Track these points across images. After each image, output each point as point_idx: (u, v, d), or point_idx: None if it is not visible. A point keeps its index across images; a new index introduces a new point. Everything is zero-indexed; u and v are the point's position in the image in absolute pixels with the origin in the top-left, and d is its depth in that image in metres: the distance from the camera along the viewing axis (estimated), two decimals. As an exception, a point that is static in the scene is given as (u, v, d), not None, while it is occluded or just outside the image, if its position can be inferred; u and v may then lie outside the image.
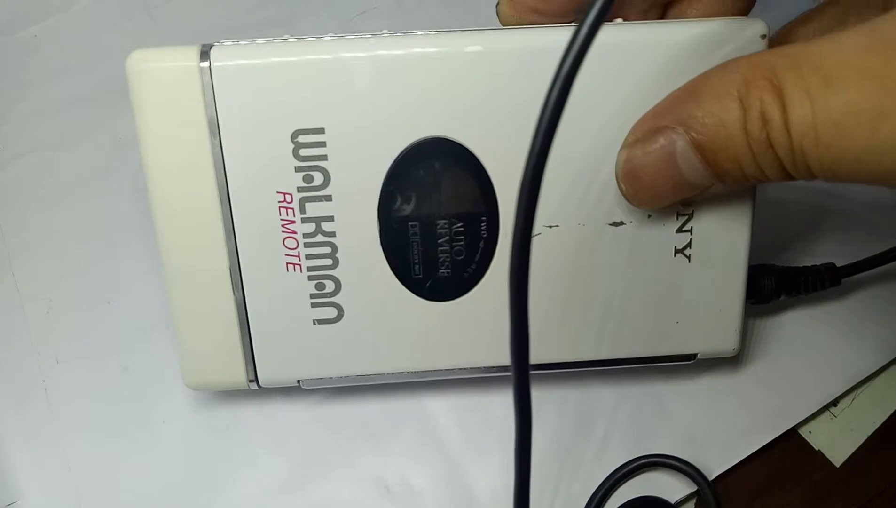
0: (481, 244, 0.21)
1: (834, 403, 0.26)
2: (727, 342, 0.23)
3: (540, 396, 0.25)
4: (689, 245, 0.22)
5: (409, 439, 0.25)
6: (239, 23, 0.33)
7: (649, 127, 0.19)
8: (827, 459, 0.25)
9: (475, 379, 0.24)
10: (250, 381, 0.22)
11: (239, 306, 0.22)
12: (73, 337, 0.26)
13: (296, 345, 0.22)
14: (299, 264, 0.21)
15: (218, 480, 0.24)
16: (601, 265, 0.22)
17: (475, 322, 0.22)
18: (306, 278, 0.22)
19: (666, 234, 0.21)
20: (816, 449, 0.25)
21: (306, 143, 0.20)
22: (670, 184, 0.19)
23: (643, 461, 0.24)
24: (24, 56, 0.32)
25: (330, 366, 0.23)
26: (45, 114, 0.31)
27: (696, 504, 0.24)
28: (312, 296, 0.22)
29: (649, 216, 0.21)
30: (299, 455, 0.25)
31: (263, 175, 0.21)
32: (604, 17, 0.15)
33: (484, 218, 0.21)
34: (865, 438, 0.25)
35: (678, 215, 0.21)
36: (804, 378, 0.25)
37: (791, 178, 0.16)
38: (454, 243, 0.21)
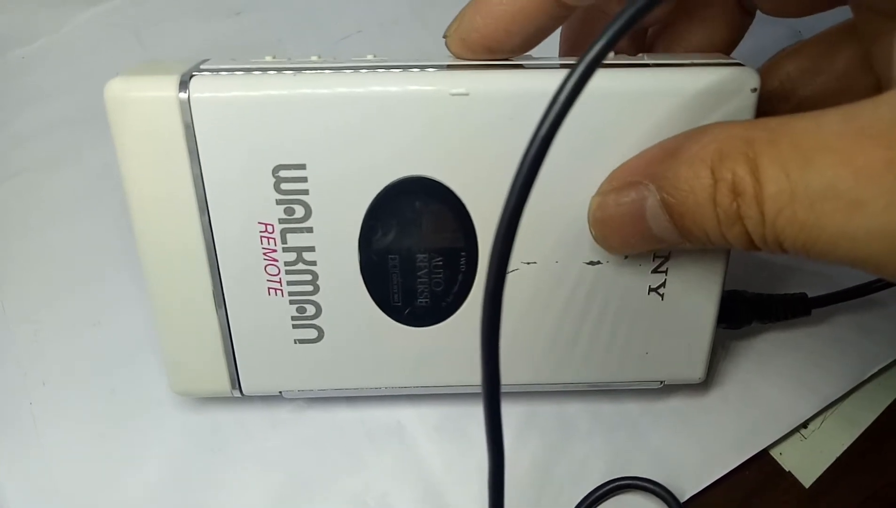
0: (460, 277, 0.22)
1: (804, 425, 0.26)
2: (694, 372, 0.24)
3: (517, 419, 0.26)
4: (663, 285, 0.22)
5: (389, 457, 0.25)
6: (226, 46, 0.33)
7: (623, 179, 0.19)
8: (797, 480, 0.26)
9: (453, 395, 0.25)
10: (233, 390, 0.23)
11: (222, 324, 0.22)
12: (60, 359, 0.27)
13: (277, 361, 0.23)
14: (280, 290, 0.22)
15: (201, 503, 0.25)
16: (575, 301, 0.22)
17: (451, 347, 0.23)
18: (287, 303, 0.22)
19: (641, 274, 0.22)
20: (787, 470, 0.26)
21: (287, 177, 0.20)
22: (638, 236, 0.19)
23: (617, 483, 0.24)
24: (12, 78, 0.33)
25: (310, 381, 0.24)
26: (33, 137, 0.31)
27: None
28: (293, 318, 0.22)
29: (626, 257, 0.22)
30: (283, 476, 0.25)
31: (245, 206, 0.21)
32: (586, 81, 0.15)
33: (463, 253, 0.22)
34: (834, 459, 0.26)
35: (654, 256, 0.22)
36: (775, 401, 0.26)
37: (757, 249, 0.17)
38: (433, 276, 0.22)
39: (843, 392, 0.26)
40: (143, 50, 0.33)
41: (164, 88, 0.20)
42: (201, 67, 0.20)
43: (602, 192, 0.20)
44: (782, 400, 0.26)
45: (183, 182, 0.20)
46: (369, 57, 0.21)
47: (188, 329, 0.22)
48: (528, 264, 0.22)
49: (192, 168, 0.20)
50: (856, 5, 0.20)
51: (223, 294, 0.22)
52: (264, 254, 0.21)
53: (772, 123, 0.16)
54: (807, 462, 0.26)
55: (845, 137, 0.14)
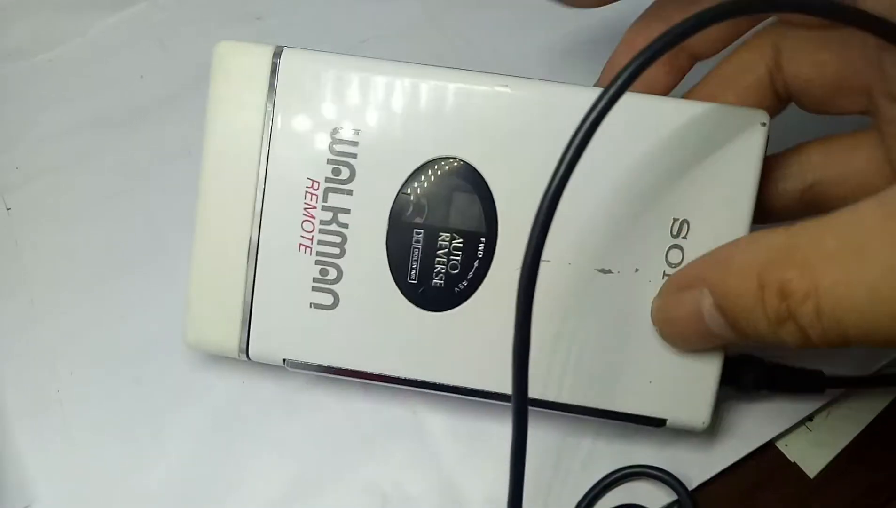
0: (476, 264, 0.23)
1: (810, 418, 0.27)
2: (698, 414, 0.23)
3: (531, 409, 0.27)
4: None
5: (404, 447, 0.26)
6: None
7: (680, 284, 0.21)
8: (802, 471, 0.27)
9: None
10: (241, 351, 0.24)
11: (248, 276, 0.24)
12: (87, 351, 0.28)
13: (290, 324, 0.24)
14: (310, 248, 0.23)
15: (222, 490, 0.26)
16: (583, 307, 0.23)
17: (457, 338, 0.24)
18: (313, 262, 0.23)
19: (651, 290, 0.23)
20: (792, 461, 0.27)
21: (342, 140, 0.23)
22: (698, 335, 0.21)
23: (627, 471, 0.25)
24: (40, 81, 0.34)
25: (317, 352, 0.24)
26: (61, 136, 0.32)
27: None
28: (315, 280, 0.24)
29: (637, 271, 0.23)
30: (299, 463, 0.26)
31: (300, 161, 0.23)
32: (619, 97, 0.17)
33: (483, 239, 0.23)
34: (839, 451, 0.27)
35: (664, 274, 0.23)
36: (782, 395, 0.27)
37: (815, 345, 0.17)
38: (451, 257, 0.23)
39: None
40: (166, 54, 0.34)
41: (261, 54, 0.23)
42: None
43: (662, 293, 0.22)
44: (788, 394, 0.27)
45: (255, 131, 0.23)
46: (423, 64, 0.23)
47: (216, 280, 0.24)
48: (543, 261, 0.22)
49: (266, 121, 0.23)
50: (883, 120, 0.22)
51: (258, 243, 0.23)
52: (305, 209, 0.23)
53: (810, 225, 0.17)
54: (812, 454, 0.27)
55: (890, 219, 0.16)
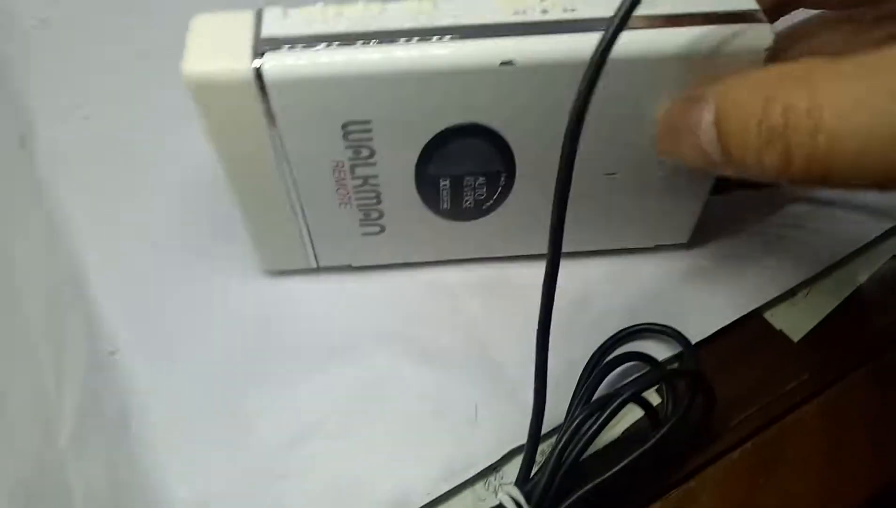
0: (500, 189, 0.27)
1: (793, 292, 0.31)
2: (681, 236, 0.30)
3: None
4: (668, 173, 0.26)
5: (441, 311, 0.30)
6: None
7: (691, 94, 0.21)
8: (787, 336, 0.30)
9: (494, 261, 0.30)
10: (313, 267, 0.29)
11: (302, 226, 0.27)
12: (165, 226, 0.32)
13: (348, 246, 0.28)
14: (349, 204, 0.27)
15: (279, 347, 0.29)
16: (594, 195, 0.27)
17: (490, 232, 0.28)
18: (356, 209, 0.27)
19: (651, 174, 0.27)
20: (778, 329, 0.30)
21: (354, 130, 0.24)
22: (688, 146, 0.21)
23: (634, 328, 0.28)
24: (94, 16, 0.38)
25: (374, 257, 0.29)
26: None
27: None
28: (360, 221, 0.27)
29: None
30: (341, 329, 0.30)
31: (318, 152, 0.24)
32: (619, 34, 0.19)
33: (504, 173, 0.26)
34: (820, 319, 0.30)
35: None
36: (768, 268, 0.31)
37: (793, 175, 0.18)
38: (477, 190, 0.26)
39: (834, 261, 0.31)
40: None
41: (239, 64, 0.21)
42: (263, 32, 0.22)
43: (672, 102, 0.22)
44: (775, 268, 0.31)
45: (264, 143, 0.24)
46: (421, 17, 0.22)
47: (273, 229, 0.28)
48: None
49: (271, 132, 0.23)
50: None
51: (302, 209, 0.27)
52: (336, 180, 0.25)
53: (831, 58, 0.17)
54: (796, 323, 0.30)
55: None
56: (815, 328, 0.30)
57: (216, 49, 0.21)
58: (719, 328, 0.29)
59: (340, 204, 0.26)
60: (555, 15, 0.22)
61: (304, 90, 0.22)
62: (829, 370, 0.29)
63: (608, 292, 0.30)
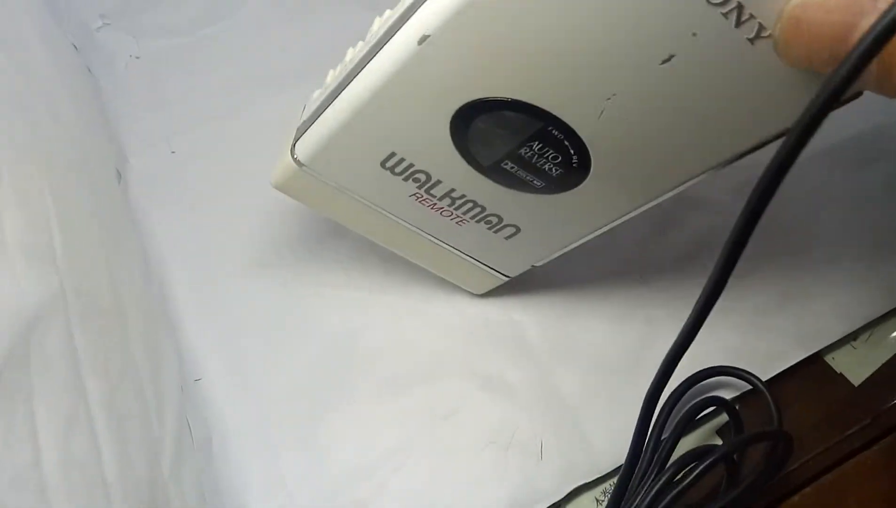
0: (562, 142, 0.23)
1: (854, 337, 0.31)
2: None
3: (617, 310, 0.32)
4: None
5: (506, 343, 0.31)
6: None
7: None
8: (847, 380, 0.31)
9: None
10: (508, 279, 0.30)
11: (455, 252, 0.29)
12: (238, 251, 0.34)
13: (510, 254, 0.29)
14: (464, 221, 0.27)
15: (348, 371, 0.31)
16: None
17: (599, 190, 0.25)
18: (474, 222, 0.27)
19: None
20: (839, 373, 0.31)
21: (393, 163, 0.25)
22: (827, 53, 0.17)
23: (713, 370, 0.29)
24: (200, 50, 0.40)
25: (542, 252, 0.29)
26: (218, 94, 0.39)
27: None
28: (489, 229, 0.27)
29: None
30: (418, 359, 0.31)
31: (392, 194, 0.26)
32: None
33: (548, 126, 0.22)
34: (881, 364, 0.31)
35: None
36: (829, 310, 0.31)
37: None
38: (544, 155, 0.23)
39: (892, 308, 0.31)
40: (300, 31, 0.41)
41: (286, 161, 0.26)
42: (297, 125, 0.26)
43: None
44: (836, 310, 0.31)
45: (356, 206, 0.27)
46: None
47: (444, 262, 0.30)
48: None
49: (348, 195, 0.26)
50: None
51: (439, 239, 0.28)
52: (432, 208, 0.26)
53: None
54: (857, 366, 0.31)
55: None
56: (876, 371, 0.31)
57: (281, 153, 0.26)
58: (780, 370, 0.30)
59: (459, 224, 0.27)
60: None
61: (330, 150, 0.25)
62: (891, 415, 0.29)
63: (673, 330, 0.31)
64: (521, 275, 0.30)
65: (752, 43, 0.19)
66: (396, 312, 0.32)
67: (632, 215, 0.25)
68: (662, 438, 0.27)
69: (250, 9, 0.42)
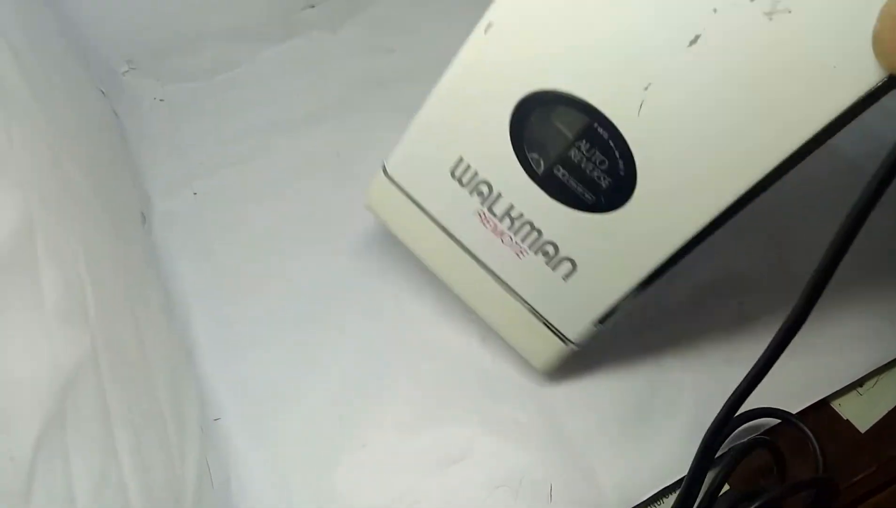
0: (610, 146, 0.24)
1: (860, 383, 0.32)
2: None
3: (635, 362, 0.32)
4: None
5: (516, 387, 0.32)
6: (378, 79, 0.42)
7: None
8: (854, 426, 0.31)
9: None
10: (568, 344, 0.30)
11: (518, 302, 0.30)
12: (267, 287, 0.35)
13: (571, 305, 0.29)
14: (523, 251, 0.28)
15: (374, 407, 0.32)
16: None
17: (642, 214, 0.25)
18: (533, 253, 0.28)
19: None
20: (845, 419, 0.31)
21: (461, 172, 0.27)
22: None
23: (759, 411, 0.29)
24: (220, 94, 0.42)
25: (602, 302, 0.28)
26: (237, 138, 0.40)
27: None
28: (547, 262, 0.28)
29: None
30: (426, 402, 0.32)
31: (462, 210, 0.28)
32: None
33: (601, 126, 0.24)
34: (887, 411, 0.31)
35: None
36: (835, 357, 0.32)
37: None
38: (593, 160, 0.24)
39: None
40: (317, 76, 0.42)
41: (378, 182, 0.30)
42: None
43: None
44: (843, 357, 0.32)
45: (423, 219, 0.30)
46: None
47: (512, 321, 0.30)
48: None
49: (419, 209, 0.29)
50: None
51: (501, 280, 0.29)
52: (493, 233, 0.28)
53: None
54: (863, 412, 0.31)
55: None
56: (882, 418, 0.31)
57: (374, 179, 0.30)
58: (786, 416, 0.31)
59: (518, 255, 0.28)
60: None
61: (410, 157, 0.28)
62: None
63: (681, 374, 0.32)
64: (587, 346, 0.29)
65: (770, 18, 0.19)
66: (410, 357, 0.33)
67: (679, 245, 0.25)
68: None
69: (268, 54, 0.43)
